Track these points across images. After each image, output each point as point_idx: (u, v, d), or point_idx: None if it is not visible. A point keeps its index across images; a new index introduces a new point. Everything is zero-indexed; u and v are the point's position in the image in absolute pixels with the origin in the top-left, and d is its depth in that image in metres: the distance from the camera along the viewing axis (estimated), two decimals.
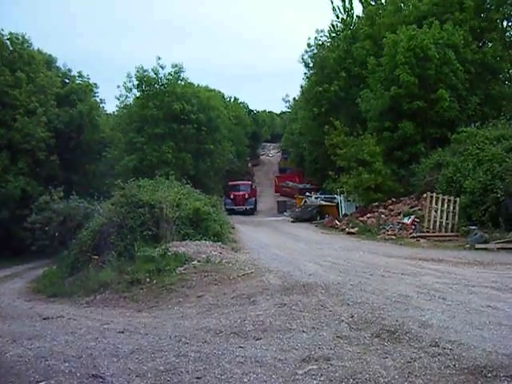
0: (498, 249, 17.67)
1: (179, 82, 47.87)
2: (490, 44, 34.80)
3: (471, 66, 32.38)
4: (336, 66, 41.62)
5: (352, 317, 8.53)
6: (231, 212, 42.17)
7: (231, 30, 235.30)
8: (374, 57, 35.13)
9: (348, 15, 45.08)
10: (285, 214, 45.48)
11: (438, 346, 6.92)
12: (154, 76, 46.71)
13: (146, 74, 46.41)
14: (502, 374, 5.86)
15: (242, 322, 8.69)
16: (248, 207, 51.74)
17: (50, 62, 49.34)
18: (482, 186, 21.46)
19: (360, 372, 6.19)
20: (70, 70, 51.47)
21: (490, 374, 5.89)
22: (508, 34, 37.54)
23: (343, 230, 27.98)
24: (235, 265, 14.00)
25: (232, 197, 51.58)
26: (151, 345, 7.71)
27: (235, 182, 55.43)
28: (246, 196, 52.43)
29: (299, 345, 7.33)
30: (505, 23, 37.35)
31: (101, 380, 6.35)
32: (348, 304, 9.42)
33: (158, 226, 17.28)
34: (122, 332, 8.68)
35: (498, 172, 21.19)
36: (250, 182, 57.64)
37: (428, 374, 6.06)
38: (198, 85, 56.10)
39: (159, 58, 47.14)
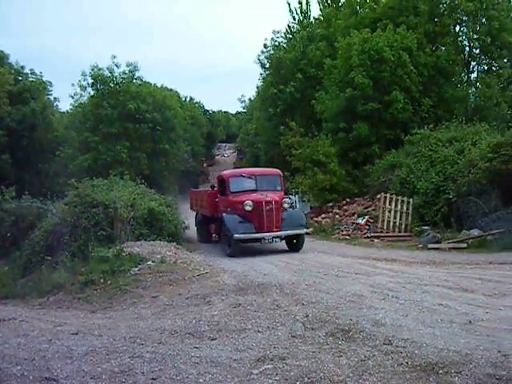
0: (449, 248, 17.98)
1: (134, 80, 47.47)
2: (443, 48, 35.32)
3: (425, 69, 32.85)
4: (292, 67, 41.73)
5: (307, 316, 8.59)
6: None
7: (190, 29, 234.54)
8: (329, 58, 35.41)
9: (305, 17, 45.34)
10: None
11: (391, 344, 7.04)
12: (109, 75, 46.21)
13: (100, 72, 45.85)
14: (452, 371, 6.01)
15: (197, 323, 8.64)
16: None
17: (1, 58, 48.30)
18: (435, 187, 21.85)
19: (314, 371, 6.24)
20: (23, 68, 50.61)
21: (441, 371, 6.03)
22: (460, 38, 38.20)
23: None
24: (190, 265, 13.90)
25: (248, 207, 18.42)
26: (105, 346, 7.59)
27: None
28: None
29: (254, 344, 7.35)
30: (457, 28, 38.02)
31: (54, 383, 6.21)
32: (303, 304, 9.49)
33: (113, 226, 17.05)
34: (76, 334, 8.50)
35: (449, 173, 21.61)
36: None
37: (381, 371, 6.16)
38: (154, 84, 55.74)
39: (114, 57, 46.82)
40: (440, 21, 36.19)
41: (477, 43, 37.13)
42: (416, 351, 6.68)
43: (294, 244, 18.83)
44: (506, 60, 36.29)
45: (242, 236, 17.73)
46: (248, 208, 18.10)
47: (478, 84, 36.02)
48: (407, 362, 6.36)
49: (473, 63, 38.53)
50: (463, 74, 37.79)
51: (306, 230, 19.25)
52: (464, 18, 36.99)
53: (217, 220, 20.34)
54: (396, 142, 29.78)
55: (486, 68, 38.14)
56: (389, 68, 31.05)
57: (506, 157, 19.17)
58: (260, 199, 18.22)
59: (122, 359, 6.98)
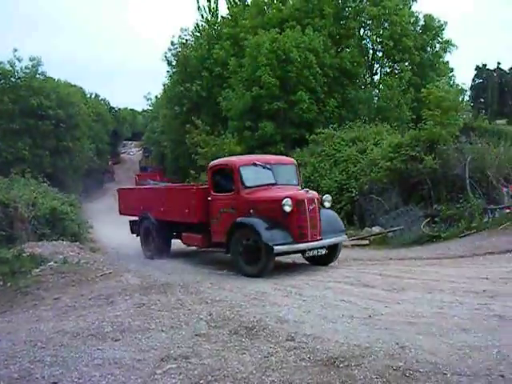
0: (352, 245, 18.28)
1: (37, 75, 45.97)
2: (348, 50, 36.10)
3: (330, 70, 33.48)
4: (198, 66, 41.63)
5: (211, 315, 8.49)
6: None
7: (98, 24, 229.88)
8: (235, 57, 35.52)
9: (213, 15, 45.31)
10: None
11: (294, 340, 7.06)
12: (10, 69, 44.48)
13: (1, 66, 44.18)
14: (353, 364, 6.11)
15: (100, 324, 8.36)
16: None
17: None
18: (338, 186, 22.26)
19: (218, 369, 6.19)
20: None
21: (342, 364, 6.11)
22: (364, 41, 39.26)
23: None
24: (93, 265, 13.52)
25: (287, 207, 12.46)
26: (4, 351, 7.21)
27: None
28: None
29: (158, 344, 7.20)
30: (362, 31, 39.08)
31: None
32: (207, 302, 9.39)
33: (13, 226, 16.49)
34: None
35: (352, 172, 22.09)
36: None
37: (284, 367, 6.16)
38: (58, 79, 54.23)
39: (15, 50, 45.18)
40: (345, 24, 37.10)
41: (380, 46, 38.44)
42: (318, 346, 6.74)
43: (326, 255, 13.18)
44: (407, 63, 37.54)
45: (283, 248, 12.17)
46: (287, 209, 12.35)
47: (381, 86, 37.10)
48: (309, 357, 6.40)
49: (376, 66, 39.94)
50: (367, 76, 38.89)
51: (346, 237, 14.51)
52: (368, 22, 38.23)
53: (200, 227, 14.55)
54: (301, 141, 30.13)
55: (388, 70, 39.54)
56: (295, 68, 31.42)
57: (406, 156, 19.80)
58: (301, 196, 12.80)
59: (22, 364, 6.64)
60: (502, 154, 19.45)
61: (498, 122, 55.46)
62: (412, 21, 39.02)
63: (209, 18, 45.31)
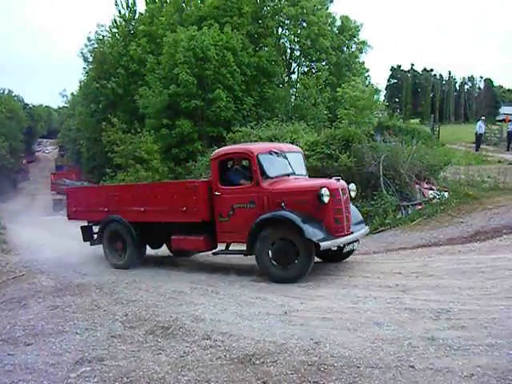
0: None
1: None
2: (266, 49, 36.31)
3: (248, 68, 33.56)
4: (115, 63, 41.02)
5: (126, 315, 8.41)
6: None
7: (14, 19, 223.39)
8: (152, 55, 35.17)
9: (130, 11, 44.70)
10: (61, 212, 43.59)
11: (210, 338, 7.08)
12: None
13: None
14: (268, 360, 6.21)
15: (11, 328, 8.13)
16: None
17: None
18: None
19: (134, 370, 6.18)
20: None
21: (257, 362, 6.21)
22: (282, 40, 39.62)
23: None
24: (5, 267, 13.22)
25: (326, 198, 10.73)
26: None
27: None
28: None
29: (72, 347, 7.07)
30: (280, 31, 39.40)
31: None
32: (122, 303, 9.29)
33: None
34: None
35: None
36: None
37: (200, 366, 6.20)
38: None
39: None
40: (263, 23, 37.28)
41: (298, 46, 38.90)
42: (234, 344, 6.79)
43: (340, 250, 11.91)
44: (324, 63, 38.15)
45: (327, 244, 10.68)
46: (326, 199, 10.83)
47: (298, 85, 37.51)
48: (225, 356, 6.46)
49: (294, 65, 40.34)
50: (284, 75, 39.19)
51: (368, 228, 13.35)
52: (286, 22, 38.49)
53: (201, 227, 12.34)
54: (218, 139, 30.00)
55: (305, 70, 40.03)
56: (213, 66, 31.29)
57: (322, 154, 19.96)
58: (336, 185, 11.31)
59: None
60: (414, 152, 19.90)
61: (411, 121, 57.28)
62: (329, 21, 39.70)
63: (126, 14, 44.67)
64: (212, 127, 31.56)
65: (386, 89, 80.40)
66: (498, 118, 66.02)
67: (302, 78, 38.06)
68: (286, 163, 12.34)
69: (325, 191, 10.75)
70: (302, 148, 20.75)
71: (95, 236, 14.92)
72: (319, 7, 38.70)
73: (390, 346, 6.45)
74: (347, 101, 22.81)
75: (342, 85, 27.19)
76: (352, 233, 11.36)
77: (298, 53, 39.69)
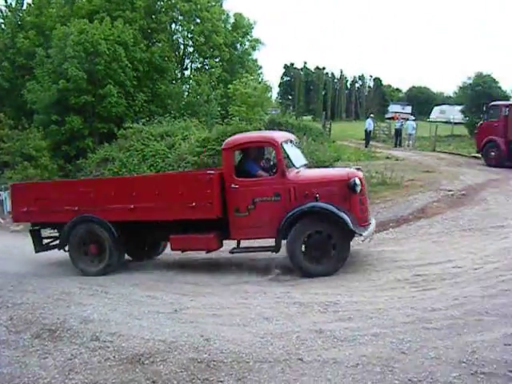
0: None
1: None
2: (159, 44, 35.97)
3: (140, 64, 33.07)
4: (1, 55, 39.43)
5: (11, 319, 8.09)
6: None
7: None
8: (41, 48, 34.08)
9: (17, 2, 42.97)
10: None
11: (99, 339, 7.00)
12: None
13: None
14: (158, 359, 6.23)
15: None
16: None
17: None
18: None
19: (18, 376, 6.04)
20: None
21: (147, 361, 6.22)
22: (175, 36, 39.40)
23: (8, 228, 26.56)
24: None
25: (358, 188, 10.67)
26: None
27: None
28: None
29: None
30: (173, 26, 39.13)
31: None
32: (7, 306, 8.89)
33: None
34: None
35: (161, 167, 22.07)
36: None
37: (88, 368, 6.14)
38: None
39: None
40: (156, 18, 36.88)
41: (191, 42, 38.71)
42: (123, 344, 6.75)
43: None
44: (217, 60, 38.23)
45: (366, 234, 10.70)
46: (358, 189, 10.61)
47: (191, 81, 37.40)
48: (114, 356, 6.41)
49: (187, 61, 40.16)
50: (177, 71, 38.97)
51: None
52: (180, 18, 38.23)
53: (211, 224, 11.18)
54: (110, 135, 29.56)
55: (198, 66, 39.94)
56: (104, 61, 30.62)
57: (213, 151, 20.07)
58: (361, 175, 11.25)
59: None
60: (303, 148, 20.32)
61: (304, 118, 58.27)
62: (223, 18, 39.79)
63: (13, 4, 42.91)
64: (103, 123, 30.93)
65: (279, 86, 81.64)
66: (386, 116, 68.37)
67: (194, 74, 38.04)
68: (299, 153, 12.14)
69: (356, 181, 10.55)
70: (193, 145, 20.88)
71: (43, 240, 13.11)
72: (213, 4, 38.77)
73: (279, 340, 6.60)
74: (238, 98, 22.96)
75: (234, 82, 27.36)
76: (370, 223, 11.13)
77: (191, 49, 39.55)
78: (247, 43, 41.31)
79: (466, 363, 5.66)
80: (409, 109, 75.78)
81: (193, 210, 10.92)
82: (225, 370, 5.86)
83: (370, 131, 37.30)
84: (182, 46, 39.86)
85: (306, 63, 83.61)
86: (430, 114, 66.76)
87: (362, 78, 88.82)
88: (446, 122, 54.14)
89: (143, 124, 27.19)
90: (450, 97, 76.10)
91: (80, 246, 12.06)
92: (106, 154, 26.50)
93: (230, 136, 19.51)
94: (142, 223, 11.74)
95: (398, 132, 37.07)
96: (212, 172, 11.44)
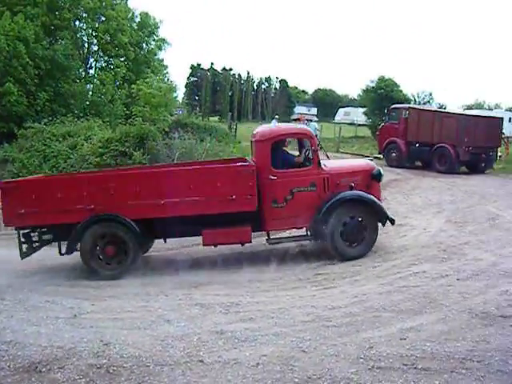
0: None
1: None
2: (62, 42, 35.12)
3: (42, 61, 32.12)
4: None
5: None
6: None
7: None
8: None
9: None
10: None
11: None
12: None
13: None
14: (55, 367, 6.13)
15: None
16: None
17: None
18: None
19: None
20: None
21: (44, 369, 6.09)
22: (80, 34, 38.63)
23: None
24: None
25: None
26: None
27: None
28: None
29: None
30: (77, 23, 38.37)
31: None
32: None
33: None
34: None
35: (63, 168, 21.58)
36: None
37: None
38: None
39: None
40: (60, 14, 36.00)
41: (96, 40, 38.04)
42: (19, 353, 6.57)
43: None
44: (122, 59, 37.77)
45: (394, 220, 12.02)
46: (382, 178, 12.29)
47: (96, 80, 36.74)
48: (9, 366, 6.23)
49: (91, 60, 39.40)
50: (81, 70, 38.18)
51: None
52: (84, 15, 37.52)
53: (246, 216, 11.14)
54: (9, 135, 28.60)
55: (103, 65, 39.29)
56: (3, 58, 29.63)
57: (116, 152, 19.86)
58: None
59: None
60: (208, 148, 20.46)
61: (211, 118, 58.45)
62: (128, 17, 39.28)
63: None
64: (2, 123, 29.77)
65: (185, 87, 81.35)
66: (292, 117, 69.18)
67: (99, 73, 37.35)
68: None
69: (381, 171, 11.91)
70: (95, 145, 20.57)
71: (34, 244, 11.55)
72: (118, 2, 38.35)
73: (180, 342, 6.70)
74: (142, 98, 22.86)
75: (138, 81, 27.13)
76: None
77: (95, 48, 38.85)
78: (153, 43, 40.95)
79: (364, 359, 6.00)
80: (314, 110, 77.43)
81: (232, 203, 10.90)
82: (124, 375, 5.87)
83: None
84: (86, 45, 39.08)
85: (213, 64, 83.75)
86: (334, 116, 68.22)
87: (268, 79, 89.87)
88: (350, 124, 55.74)
89: (45, 124, 26.46)
90: (355, 99, 78.15)
91: (95, 248, 11.12)
92: (5, 154, 25.64)
93: (134, 137, 19.56)
94: (167, 219, 10.99)
95: None
96: (253, 164, 11.51)
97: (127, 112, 31.06)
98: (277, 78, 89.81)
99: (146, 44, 40.82)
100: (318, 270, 10.33)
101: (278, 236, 12.26)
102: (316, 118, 58.12)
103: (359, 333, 6.80)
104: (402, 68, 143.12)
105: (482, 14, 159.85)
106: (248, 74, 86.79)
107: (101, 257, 11.06)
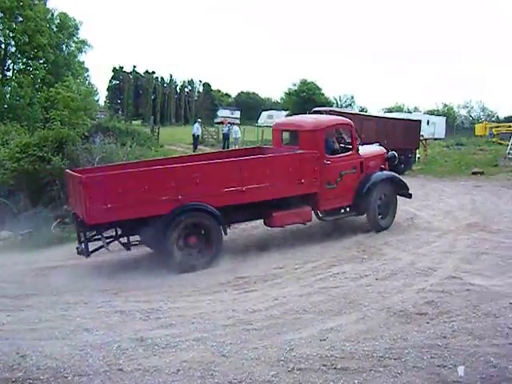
0: None
1: None
2: None
3: None
4: None
5: None
6: None
7: None
8: None
9: None
10: None
11: None
12: None
13: None
14: None
15: None
16: None
17: None
18: None
19: None
20: None
21: None
22: None
23: None
24: None
25: None
26: None
27: None
28: None
29: None
30: None
31: None
32: None
33: None
34: None
35: None
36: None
37: None
38: None
39: None
40: None
41: (13, 42, 37.23)
42: None
43: None
44: (41, 61, 37.07)
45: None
46: (396, 161, 14.81)
47: (13, 83, 35.94)
48: None
49: (9, 62, 38.52)
50: None
51: None
52: (0, 15, 36.68)
53: (306, 198, 12.48)
54: None
55: (21, 67, 38.46)
56: None
57: (34, 157, 19.39)
58: None
59: None
60: (128, 153, 20.28)
61: (134, 122, 57.94)
62: (47, 17, 38.60)
63: None
64: None
65: (107, 90, 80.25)
66: (216, 121, 69.36)
67: (17, 76, 36.58)
68: None
69: (396, 154, 14.27)
70: (12, 150, 20.05)
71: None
72: (36, 2, 37.59)
73: (99, 351, 6.56)
74: (60, 101, 22.48)
75: (56, 85, 26.66)
76: None
77: (13, 49, 38.07)
78: (73, 45, 40.41)
79: (284, 361, 6.08)
80: (238, 113, 77.59)
81: (301, 186, 12.25)
82: None
83: (198, 135, 37.91)
84: (3, 46, 38.20)
85: (135, 67, 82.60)
86: (258, 119, 68.59)
87: (191, 82, 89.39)
88: None
89: None
90: (278, 102, 79.02)
91: (179, 240, 10.96)
92: None
93: (52, 141, 19.22)
94: (240, 206, 11.65)
95: (226, 136, 37.84)
96: (313, 150, 12.60)
97: (46, 116, 30.55)
98: (200, 81, 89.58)
99: (66, 46, 40.26)
100: (239, 274, 10.36)
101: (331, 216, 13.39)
102: (237, 121, 58.32)
103: (280, 335, 6.87)
104: (324, 72, 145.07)
105: (401, 17, 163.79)
106: (171, 77, 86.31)
107: (183, 247, 11.01)
